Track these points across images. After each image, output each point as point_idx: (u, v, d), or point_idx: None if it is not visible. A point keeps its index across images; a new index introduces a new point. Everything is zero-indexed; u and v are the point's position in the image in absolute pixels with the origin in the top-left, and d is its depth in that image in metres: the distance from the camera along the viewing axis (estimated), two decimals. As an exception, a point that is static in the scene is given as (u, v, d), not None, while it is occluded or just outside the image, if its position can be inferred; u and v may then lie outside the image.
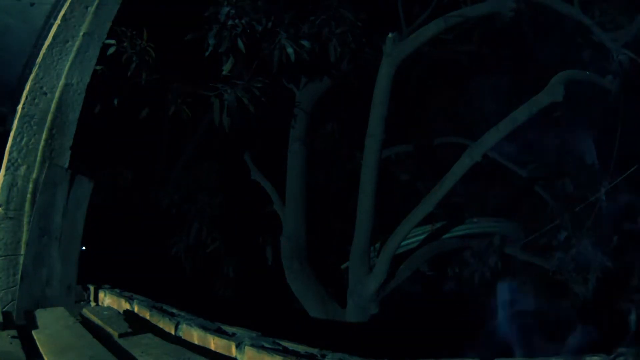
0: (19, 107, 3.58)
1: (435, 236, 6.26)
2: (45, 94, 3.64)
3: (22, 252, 3.48)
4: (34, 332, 2.85)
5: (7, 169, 3.50)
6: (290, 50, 4.58)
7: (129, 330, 2.79)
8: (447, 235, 6.27)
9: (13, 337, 2.78)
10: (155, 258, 5.81)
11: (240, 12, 4.41)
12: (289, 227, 5.86)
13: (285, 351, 2.29)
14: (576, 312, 5.70)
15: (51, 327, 2.97)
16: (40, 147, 3.59)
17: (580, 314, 5.66)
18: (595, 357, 1.82)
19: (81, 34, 3.74)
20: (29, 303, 3.42)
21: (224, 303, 6.14)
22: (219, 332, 2.61)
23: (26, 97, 3.59)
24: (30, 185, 3.54)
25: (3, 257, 3.45)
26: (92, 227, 3.80)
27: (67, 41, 3.71)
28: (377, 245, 5.73)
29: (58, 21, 3.70)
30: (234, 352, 2.42)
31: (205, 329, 2.66)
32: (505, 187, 6.94)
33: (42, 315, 3.22)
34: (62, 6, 3.73)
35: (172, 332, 2.83)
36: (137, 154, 6.05)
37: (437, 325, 5.77)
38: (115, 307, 3.48)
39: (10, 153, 3.53)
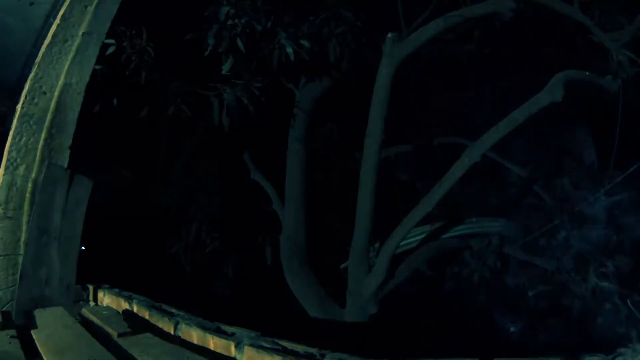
0: (18, 107, 3.58)
1: (435, 236, 6.26)
2: (45, 93, 3.64)
3: (21, 251, 3.48)
4: (33, 332, 2.85)
5: (6, 168, 3.50)
6: (289, 50, 4.57)
7: (128, 329, 2.79)
8: (446, 235, 6.27)
9: (12, 336, 2.78)
10: (155, 258, 5.80)
11: (240, 11, 4.40)
12: (288, 227, 5.85)
13: (284, 351, 2.29)
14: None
15: (50, 326, 2.96)
16: (40, 147, 3.58)
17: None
18: (595, 357, 1.82)
19: (80, 33, 3.74)
20: (28, 303, 3.42)
21: (223, 303, 6.13)
22: (218, 332, 2.61)
23: (25, 97, 3.59)
24: (30, 185, 3.54)
25: (2, 257, 3.44)
26: (91, 226, 3.80)
27: (67, 40, 3.70)
28: (377, 245, 5.72)
29: (57, 20, 3.69)
30: (233, 351, 2.41)
31: (204, 328, 2.65)
32: (505, 187, 6.94)
33: (41, 315, 3.22)
34: (61, 5, 3.73)
35: (172, 332, 2.83)
36: (137, 153, 6.04)
37: (436, 325, 5.77)
38: (114, 306, 3.47)
39: (9, 152, 3.52)
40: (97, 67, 3.92)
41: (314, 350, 2.28)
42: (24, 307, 3.39)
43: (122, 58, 4.27)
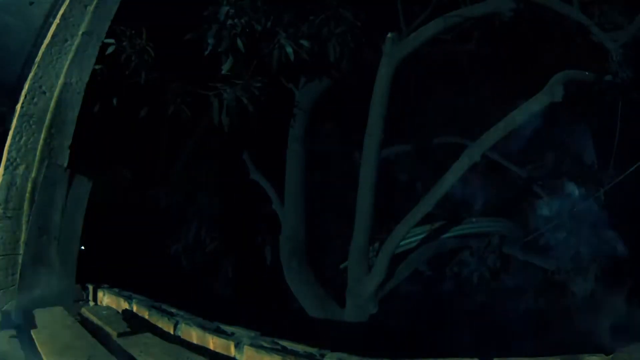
0: (18, 106, 3.58)
1: (435, 236, 6.25)
2: (45, 93, 3.64)
3: (21, 251, 3.48)
4: (32, 332, 2.85)
5: (6, 168, 3.50)
6: (289, 50, 4.57)
7: (128, 329, 2.79)
8: (446, 235, 6.26)
9: (12, 336, 2.78)
10: (155, 257, 5.80)
11: (240, 11, 4.40)
12: (288, 227, 5.85)
13: (284, 350, 2.29)
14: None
15: (50, 326, 2.97)
16: (39, 147, 3.59)
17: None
18: (594, 357, 1.82)
19: (80, 33, 3.74)
20: (28, 302, 3.42)
21: (223, 302, 6.13)
22: (218, 332, 2.61)
23: (25, 96, 3.59)
24: (29, 185, 3.54)
25: (2, 257, 3.45)
26: (91, 226, 3.80)
27: (66, 40, 3.71)
28: (376, 245, 5.72)
29: (57, 20, 3.70)
30: (232, 351, 2.42)
31: (204, 328, 2.66)
32: (505, 187, 6.94)
33: (41, 315, 3.22)
34: (61, 5, 3.73)
35: (171, 332, 2.83)
36: (137, 153, 6.03)
37: (436, 325, 5.77)
38: (114, 306, 3.48)
39: (9, 152, 3.53)
40: (97, 67, 3.92)
41: (313, 350, 2.28)
42: (24, 307, 3.40)
43: (122, 58, 4.26)
